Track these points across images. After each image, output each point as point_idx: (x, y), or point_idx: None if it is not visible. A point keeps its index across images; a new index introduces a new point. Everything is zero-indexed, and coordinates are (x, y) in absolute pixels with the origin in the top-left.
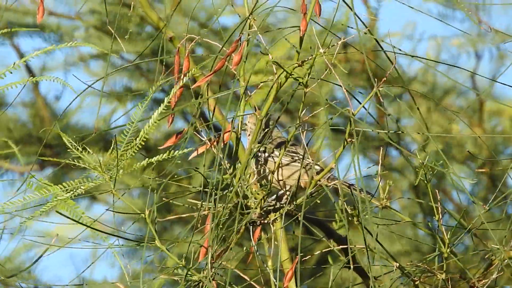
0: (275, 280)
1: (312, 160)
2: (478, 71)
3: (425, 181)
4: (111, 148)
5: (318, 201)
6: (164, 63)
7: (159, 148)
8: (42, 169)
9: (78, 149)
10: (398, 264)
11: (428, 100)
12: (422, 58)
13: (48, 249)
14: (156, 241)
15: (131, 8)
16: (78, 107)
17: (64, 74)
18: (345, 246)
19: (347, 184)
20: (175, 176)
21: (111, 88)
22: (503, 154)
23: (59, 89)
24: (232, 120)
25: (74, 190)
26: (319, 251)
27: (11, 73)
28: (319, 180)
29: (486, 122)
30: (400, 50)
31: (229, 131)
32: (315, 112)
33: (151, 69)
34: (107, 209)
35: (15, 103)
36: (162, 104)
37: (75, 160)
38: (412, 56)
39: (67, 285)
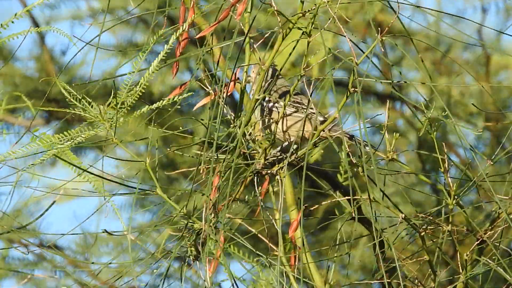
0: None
1: (316, 110)
2: (484, 25)
3: (430, 133)
4: (111, 96)
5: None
6: (168, 16)
7: (163, 99)
8: (48, 123)
9: (78, 99)
10: (404, 215)
11: (433, 53)
12: (427, 8)
13: (55, 202)
14: (157, 189)
15: None
16: (83, 61)
17: (71, 28)
18: (350, 198)
19: (348, 135)
20: (180, 129)
21: (117, 42)
22: (509, 109)
23: (65, 43)
24: (236, 70)
25: (74, 138)
26: (325, 202)
27: (13, 22)
28: (322, 131)
29: (493, 77)
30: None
31: (234, 80)
32: (318, 61)
33: (157, 23)
34: (105, 155)
35: (22, 57)
36: (162, 52)
37: (78, 111)
38: (417, 7)
39: (68, 234)
